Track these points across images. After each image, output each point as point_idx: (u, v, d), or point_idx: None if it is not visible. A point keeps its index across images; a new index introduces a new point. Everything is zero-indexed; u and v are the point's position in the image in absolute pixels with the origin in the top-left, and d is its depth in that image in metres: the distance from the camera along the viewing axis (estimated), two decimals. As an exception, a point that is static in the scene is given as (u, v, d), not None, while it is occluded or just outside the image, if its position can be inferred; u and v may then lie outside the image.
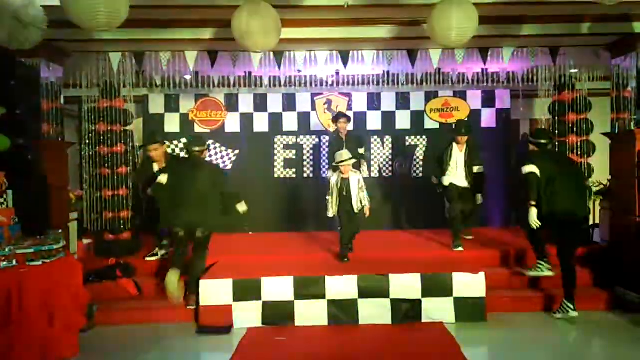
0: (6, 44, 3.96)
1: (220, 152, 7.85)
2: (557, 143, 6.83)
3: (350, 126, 6.98)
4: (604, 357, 4.19)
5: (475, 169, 6.17)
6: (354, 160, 5.64)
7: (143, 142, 6.36)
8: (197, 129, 7.88)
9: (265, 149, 7.94)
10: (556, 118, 6.92)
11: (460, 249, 5.87)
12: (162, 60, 5.80)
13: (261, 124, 7.97)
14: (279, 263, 5.37)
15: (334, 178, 5.66)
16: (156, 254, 5.83)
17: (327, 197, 5.63)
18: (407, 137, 8.04)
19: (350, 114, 7.80)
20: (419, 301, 4.79)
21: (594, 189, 6.82)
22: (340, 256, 5.54)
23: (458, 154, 6.20)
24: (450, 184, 6.19)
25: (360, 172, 6.05)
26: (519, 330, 4.59)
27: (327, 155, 7.57)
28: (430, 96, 8.02)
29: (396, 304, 4.79)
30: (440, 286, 4.81)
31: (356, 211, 5.53)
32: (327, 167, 7.32)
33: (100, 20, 3.60)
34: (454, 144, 6.20)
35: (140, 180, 5.88)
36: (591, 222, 6.91)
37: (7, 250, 3.78)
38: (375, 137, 8.01)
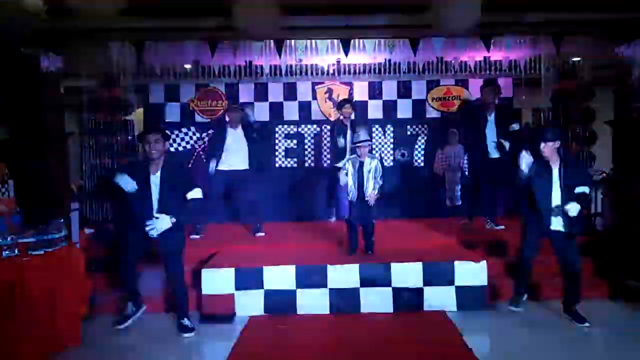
0: (6, 33, 3.94)
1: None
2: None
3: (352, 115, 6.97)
4: (605, 345, 4.20)
5: (580, 190, 4.25)
6: (370, 142, 5.36)
7: (144, 130, 5.38)
8: (198, 118, 7.86)
9: (266, 138, 7.91)
10: (558, 107, 6.90)
11: (517, 309, 4.65)
12: (162, 49, 5.78)
13: (262, 113, 7.94)
14: (280, 252, 5.38)
15: (350, 162, 5.26)
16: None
17: (344, 182, 5.25)
18: (408, 126, 8.01)
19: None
20: (421, 289, 4.80)
21: (596, 178, 6.81)
22: (349, 248, 5.31)
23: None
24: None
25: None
26: (520, 318, 4.59)
27: (328, 144, 7.57)
28: (432, 85, 7.98)
29: (398, 292, 4.80)
30: (442, 274, 4.82)
31: (366, 197, 5.16)
32: (329, 157, 7.28)
33: (99, 8, 3.58)
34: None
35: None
36: (593, 211, 6.91)
37: (9, 239, 3.78)
38: (377, 126, 7.98)
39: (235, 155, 6.10)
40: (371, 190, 5.16)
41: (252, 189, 6.22)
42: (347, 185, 5.26)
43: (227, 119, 6.23)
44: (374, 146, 7.90)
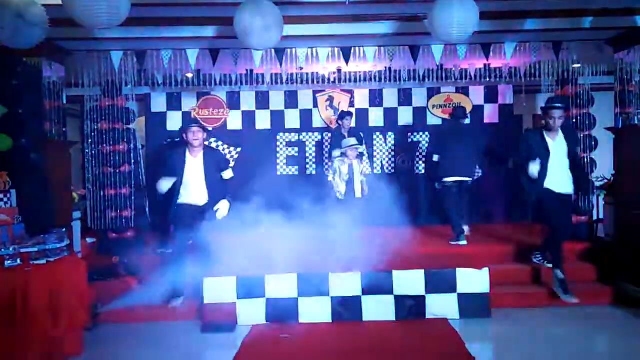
0: (8, 43, 3.96)
1: (223, 150, 7.85)
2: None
3: (352, 122, 7.17)
4: (608, 352, 4.18)
5: None
6: (361, 147, 5.96)
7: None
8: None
9: (267, 146, 7.94)
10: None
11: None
12: (164, 58, 5.80)
13: (263, 121, 7.97)
14: (282, 260, 5.36)
15: (338, 161, 5.95)
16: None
17: (330, 180, 5.90)
18: (409, 134, 8.03)
19: (352, 110, 7.83)
20: (423, 297, 4.79)
21: (598, 184, 6.80)
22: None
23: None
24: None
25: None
26: (523, 325, 4.58)
27: (329, 151, 7.68)
28: (432, 92, 8.00)
29: (400, 300, 4.79)
30: (444, 282, 4.81)
31: (358, 195, 5.82)
32: (328, 164, 7.43)
33: (102, 18, 3.60)
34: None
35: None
36: (595, 217, 6.90)
37: (11, 249, 3.78)
38: (378, 133, 8.00)
39: (194, 189, 5.02)
40: (361, 189, 5.86)
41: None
42: (333, 184, 5.89)
43: (186, 140, 5.05)
44: (375, 153, 7.93)
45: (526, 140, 5.13)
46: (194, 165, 5.01)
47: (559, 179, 4.98)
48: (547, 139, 4.99)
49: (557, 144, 5.00)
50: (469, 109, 7.95)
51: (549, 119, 4.95)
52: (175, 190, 4.98)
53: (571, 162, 5.03)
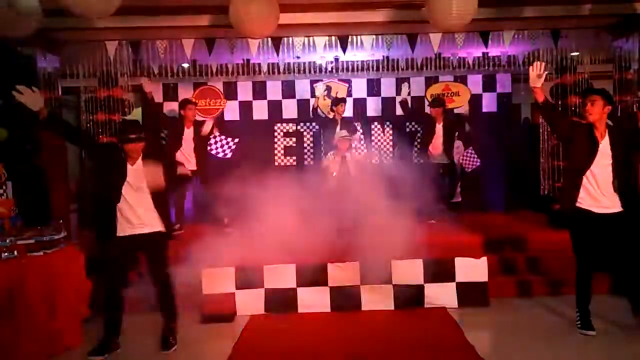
0: (1, 33, 3.92)
1: (220, 140, 7.82)
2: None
3: (350, 112, 7.11)
4: (606, 340, 4.18)
5: None
6: (351, 137, 6.23)
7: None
8: (197, 117, 7.81)
9: (265, 136, 7.90)
10: (558, 101, 6.88)
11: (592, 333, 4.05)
12: (159, 48, 5.75)
13: (260, 111, 7.92)
14: (280, 251, 5.35)
15: (330, 157, 6.13)
16: None
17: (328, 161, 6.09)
18: (407, 123, 7.99)
19: (350, 100, 7.79)
20: (422, 286, 4.80)
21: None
22: None
23: None
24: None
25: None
26: (521, 314, 4.59)
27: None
28: (430, 81, 7.96)
29: (399, 289, 4.80)
30: (443, 271, 4.81)
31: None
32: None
33: (95, 7, 3.56)
34: None
35: None
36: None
37: (7, 241, 3.77)
38: (375, 123, 7.97)
39: (136, 211, 3.81)
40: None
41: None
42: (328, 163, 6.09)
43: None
44: (372, 143, 7.91)
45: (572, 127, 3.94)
46: (134, 176, 3.74)
47: (600, 193, 3.88)
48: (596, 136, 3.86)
49: (603, 147, 3.87)
50: (467, 97, 7.94)
51: (585, 104, 3.90)
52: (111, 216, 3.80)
53: (614, 171, 3.85)
